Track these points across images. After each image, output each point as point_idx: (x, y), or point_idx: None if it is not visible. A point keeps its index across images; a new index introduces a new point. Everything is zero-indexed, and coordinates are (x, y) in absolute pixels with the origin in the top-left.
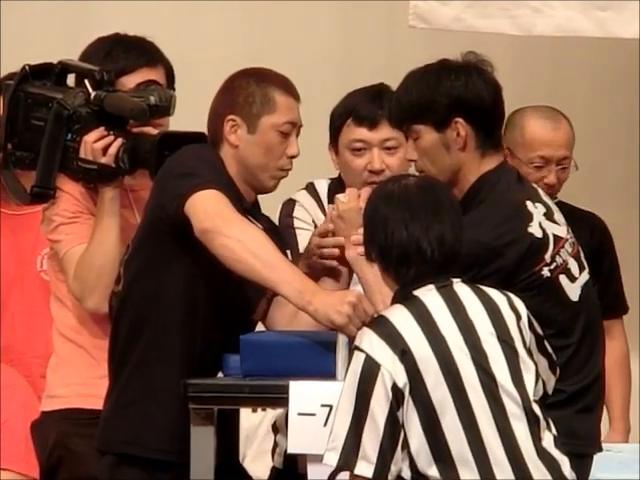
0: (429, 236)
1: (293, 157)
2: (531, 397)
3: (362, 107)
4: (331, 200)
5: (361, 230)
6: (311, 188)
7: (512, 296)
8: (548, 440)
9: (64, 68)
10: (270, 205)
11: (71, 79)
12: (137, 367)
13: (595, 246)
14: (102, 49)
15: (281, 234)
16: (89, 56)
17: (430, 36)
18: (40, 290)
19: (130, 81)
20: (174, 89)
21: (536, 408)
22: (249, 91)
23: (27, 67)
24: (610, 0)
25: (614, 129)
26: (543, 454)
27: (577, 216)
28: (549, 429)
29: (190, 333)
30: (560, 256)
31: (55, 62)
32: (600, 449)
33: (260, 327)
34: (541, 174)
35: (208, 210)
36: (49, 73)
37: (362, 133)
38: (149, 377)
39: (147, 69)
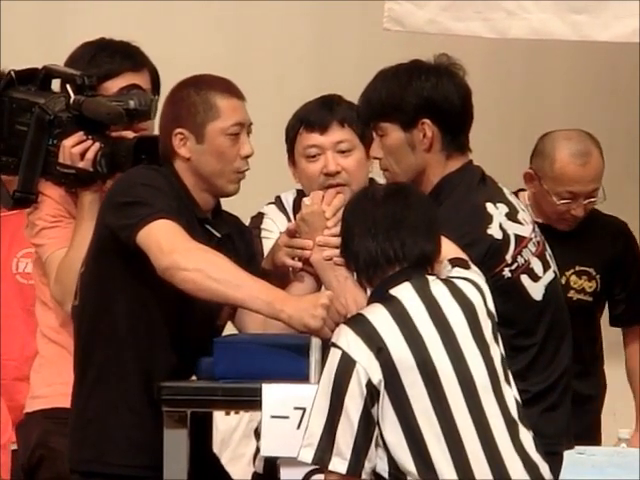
0: (393, 242)
1: (247, 157)
2: (508, 397)
3: (312, 114)
4: (297, 212)
5: (326, 232)
6: (278, 202)
7: (484, 290)
8: (527, 441)
9: (48, 73)
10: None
11: (57, 84)
12: (95, 382)
13: (619, 251)
14: (87, 53)
15: (247, 234)
16: (75, 60)
17: (404, 39)
18: (15, 293)
19: (114, 85)
20: (159, 93)
21: (513, 408)
22: (190, 101)
23: (13, 72)
24: (585, 2)
25: (590, 131)
26: (521, 454)
27: (600, 221)
28: (527, 429)
29: (145, 347)
30: (522, 256)
31: (40, 67)
32: (571, 446)
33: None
34: (568, 207)
35: (162, 246)
36: (34, 78)
37: (314, 138)
38: (107, 392)
39: (131, 74)
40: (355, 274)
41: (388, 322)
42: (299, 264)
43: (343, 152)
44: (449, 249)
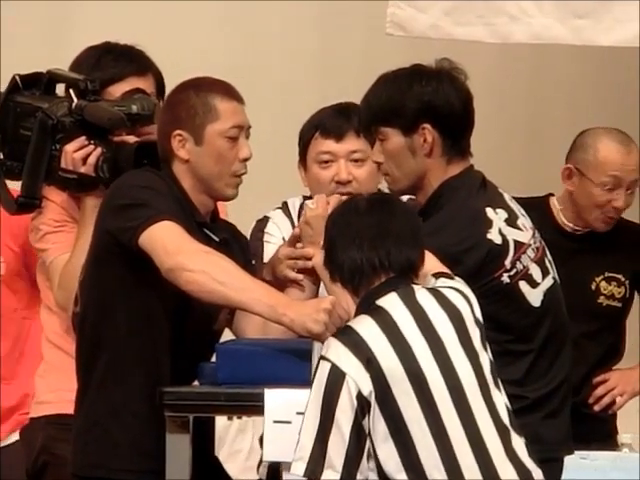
0: (378, 250)
1: (246, 160)
2: (498, 404)
3: (329, 120)
4: (301, 217)
5: None
6: (285, 207)
7: (471, 298)
8: (519, 447)
9: (52, 77)
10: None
11: (62, 88)
12: (99, 388)
13: None
14: (92, 57)
15: (243, 240)
16: (79, 65)
17: (408, 44)
18: None
19: (118, 90)
20: (164, 97)
21: (504, 415)
22: (190, 103)
23: (17, 77)
24: (587, 7)
25: None
26: (514, 460)
27: (628, 228)
28: (519, 436)
29: (147, 351)
30: (521, 262)
31: (44, 71)
32: (570, 452)
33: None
34: (610, 197)
35: (167, 248)
36: (38, 82)
37: (329, 145)
38: (110, 397)
39: (135, 78)
40: (340, 284)
41: (376, 333)
42: (301, 276)
43: (356, 161)
44: (432, 264)
